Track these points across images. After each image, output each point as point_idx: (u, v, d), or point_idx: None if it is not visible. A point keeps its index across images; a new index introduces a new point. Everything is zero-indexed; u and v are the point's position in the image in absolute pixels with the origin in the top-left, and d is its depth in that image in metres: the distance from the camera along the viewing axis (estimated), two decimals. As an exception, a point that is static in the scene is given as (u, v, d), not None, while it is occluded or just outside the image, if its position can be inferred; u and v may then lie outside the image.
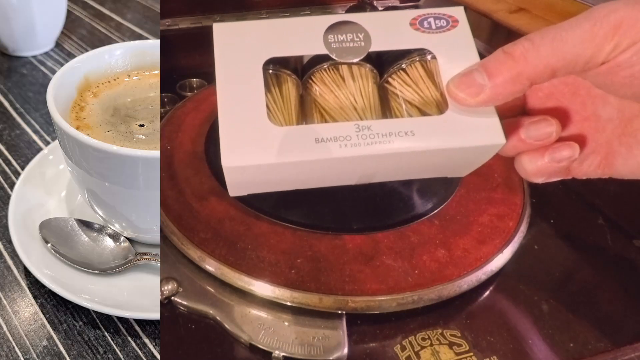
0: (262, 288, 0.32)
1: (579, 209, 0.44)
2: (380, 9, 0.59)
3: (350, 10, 0.61)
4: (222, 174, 0.42)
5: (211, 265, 0.34)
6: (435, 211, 0.39)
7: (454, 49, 0.26)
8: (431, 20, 0.27)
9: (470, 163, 0.28)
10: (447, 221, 0.38)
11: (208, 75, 0.60)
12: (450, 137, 0.24)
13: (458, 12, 0.27)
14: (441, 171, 0.29)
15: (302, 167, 0.24)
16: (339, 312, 0.32)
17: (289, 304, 0.32)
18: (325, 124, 0.25)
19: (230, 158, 0.23)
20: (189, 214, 0.37)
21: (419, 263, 0.35)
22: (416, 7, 0.70)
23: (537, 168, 0.26)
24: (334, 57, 0.26)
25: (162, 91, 0.56)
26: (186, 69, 0.62)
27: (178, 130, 0.47)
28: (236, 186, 0.26)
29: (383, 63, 0.28)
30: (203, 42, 0.62)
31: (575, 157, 0.26)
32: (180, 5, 0.61)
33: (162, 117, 0.50)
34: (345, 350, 0.30)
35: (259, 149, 0.23)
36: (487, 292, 0.35)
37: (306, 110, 0.27)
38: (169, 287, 0.33)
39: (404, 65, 0.27)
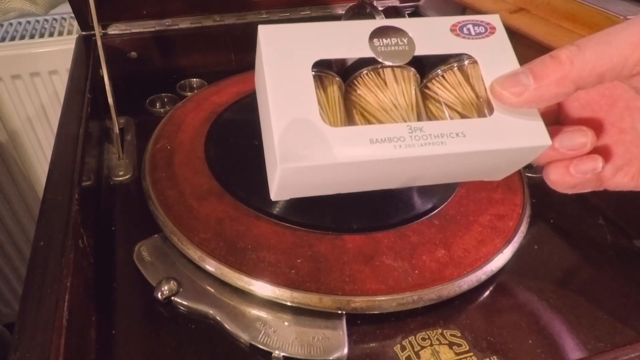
0: (262, 288, 0.32)
1: (579, 209, 0.44)
2: (380, 8, 0.59)
3: (349, 10, 0.61)
4: (221, 173, 0.42)
5: (211, 265, 0.34)
6: (435, 211, 0.39)
7: (494, 54, 0.27)
8: (470, 26, 0.27)
9: (512, 165, 0.28)
10: (447, 221, 0.38)
11: (208, 75, 0.60)
12: (499, 139, 0.25)
13: (494, 19, 0.28)
14: (482, 174, 0.30)
15: (357, 167, 0.24)
16: (339, 312, 0.32)
17: (289, 304, 0.32)
18: (377, 125, 0.25)
19: (288, 159, 0.23)
20: (189, 214, 0.37)
21: (419, 263, 0.35)
22: (416, 7, 0.70)
23: (562, 179, 0.26)
24: (380, 60, 0.26)
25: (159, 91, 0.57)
26: (186, 69, 0.62)
27: (178, 130, 0.47)
28: (284, 189, 0.26)
29: (421, 68, 0.28)
30: (203, 42, 0.63)
31: (598, 170, 0.25)
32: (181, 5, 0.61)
33: (162, 117, 0.50)
34: (345, 350, 0.30)
35: (316, 150, 0.23)
36: (487, 292, 0.35)
37: (348, 112, 0.28)
38: (169, 287, 0.33)
39: (443, 70, 0.28)
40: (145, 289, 0.34)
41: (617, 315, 0.34)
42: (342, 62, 0.28)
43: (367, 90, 0.27)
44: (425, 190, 0.41)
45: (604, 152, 0.26)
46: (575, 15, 0.60)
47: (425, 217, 0.39)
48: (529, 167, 0.48)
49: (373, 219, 0.38)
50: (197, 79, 0.60)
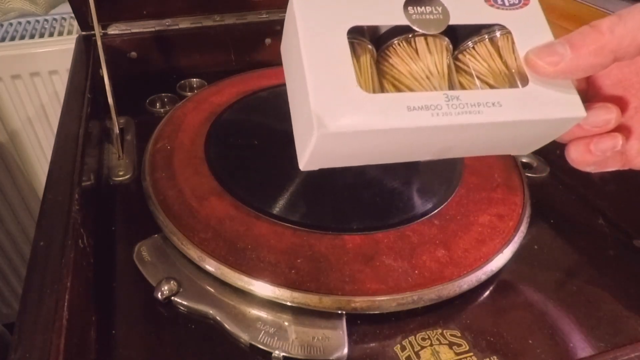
0: (262, 288, 0.32)
1: (579, 209, 0.44)
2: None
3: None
4: (221, 173, 0.42)
5: (211, 265, 0.34)
6: (435, 211, 0.39)
7: (528, 26, 0.27)
8: None
9: (542, 138, 0.28)
10: (447, 221, 0.38)
11: (208, 75, 0.60)
12: (534, 109, 0.25)
13: None
14: (512, 146, 0.30)
15: (394, 135, 0.24)
16: (339, 312, 0.32)
17: (289, 304, 0.32)
18: (414, 92, 0.25)
19: (325, 124, 0.23)
20: (189, 214, 0.37)
21: (419, 263, 0.35)
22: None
23: (582, 157, 0.26)
24: (415, 27, 0.26)
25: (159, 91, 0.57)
26: (186, 69, 0.62)
27: (178, 130, 0.47)
28: (316, 158, 0.26)
29: (453, 38, 0.28)
30: (203, 42, 0.63)
31: (617, 148, 0.25)
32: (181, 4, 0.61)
33: (162, 117, 0.50)
34: (345, 350, 0.30)
35: (354, 116, 0.23)
36: (487, 292, 0.35)
37: (380, 82, 0.27)
38: (169, 287, 0.33)
39: (474, 42, 0.27)
40: (145, 289, 0.34)
41: (617, 315, 0.34)
42: (374, 29, 0.27)
43: (399, 60, 0.26)
44: (425, 190, 0.41)
45: (631, 130, 0.26)
46: (576, 15, 0.60)
47: (425, 217, 0.39)
48: (529, 167, 0.48)
49: (373, 219, 0.38)
50: (197, 79, 0.60)
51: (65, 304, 0.27)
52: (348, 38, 0.25)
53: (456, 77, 0.27)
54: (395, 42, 0.27)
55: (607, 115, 0.25)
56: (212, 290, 0.34)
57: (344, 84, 0.24)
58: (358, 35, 0.26)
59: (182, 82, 0.59)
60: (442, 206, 0.40)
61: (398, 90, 0.26)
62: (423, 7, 0.26)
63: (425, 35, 0.27)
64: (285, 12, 0.27)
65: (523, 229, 0.39)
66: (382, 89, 0.26)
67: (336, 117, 0.23)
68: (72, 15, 0.72)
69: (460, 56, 0.28)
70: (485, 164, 0.45)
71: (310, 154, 0.25)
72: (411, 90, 0.25)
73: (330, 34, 0.25)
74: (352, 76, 0.24)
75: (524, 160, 0.49)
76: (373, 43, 0.27)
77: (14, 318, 0.33)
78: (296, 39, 0.24)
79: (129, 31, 0.60)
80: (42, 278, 0.28)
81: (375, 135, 0.24)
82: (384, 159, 0.28)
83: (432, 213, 0.39)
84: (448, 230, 0.37)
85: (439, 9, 0.26)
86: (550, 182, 0.47)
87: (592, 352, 0.31)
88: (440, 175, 0.43)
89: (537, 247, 0.40)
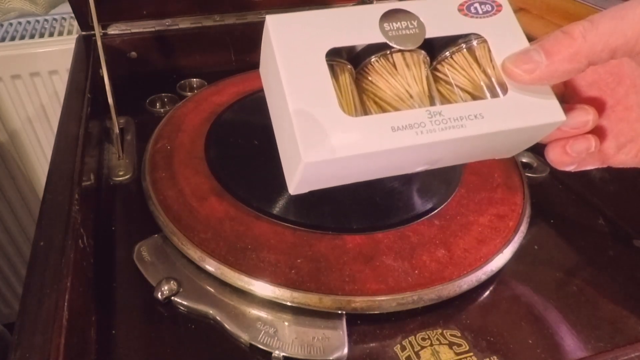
0: (262, 288, 0.32)
1: (579, 209, 0.44)
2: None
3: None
4: (221, 173, 0.42)
5: (211, 265, 0.34)
6: (435, 211, 0.39)
7: (502, 32, 0.27)
8: (477, 5, 0.27)
9: (525, 142, 0.29)
10: (447, 221, 0.38)
11: (208, 75, 0.60)
12: (516, 118, 0.25)
13: None
14: (496, 153, 0.30)
15: (381, 156, 0.24)
16: (339, 312, 0.32)
17: (289, 304, 0.32)
18: (397, 112, 0.25)
19: (312, 153, 0.23)
20: (189, 214, 0.37)
21: (419, 263, 0.35)
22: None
23: (560, 158, 0.27)
24: (392, 44, 0.26)
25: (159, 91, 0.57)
26: (186, 69, 0.62)
27: (178, 130, 0.47)
28: (305, 183, 0.26)
29: (430, 49, 0.28)
30: (203, 42, 0.63)
31: (591, 150, 0.26)
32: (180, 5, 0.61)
33: (162, 117, 0.50)
34: (345, 350, 0.30)
35: (340, 141, 0.23)
36: (487, 292, 0.35)
37: (360, 99, 0.27)
38: (169, 287, 0.33)
39: (451, 53, 0.27)
40: (145, 289, 0.34)
41: (617, 315, 0.34)
42: (350, 47, 0.27)
43: (378, 77, 0.27)
44: (425, 190, 0.41)
45: (608, 130, 0.26)
46: (575, 15, 0.60)
47: (425, 217, 0.39)
48: (529, 167, 0.48)
49: (373, 219, 0.38)
50: (197, 79, 0.60)
51: (65, 304, 0.27)
52: (326, 61, 0.25)
53: (436, 88, 0.27)
54: (373, 59, 0.27)
55: (585, 117, 0.25)
56: (212, 290, 0.34)
57: (327, 108, 0.24)
58: (335, 56, 0.26)
59: (182, 82, 0.59)
60: (442, 206, 0.40)
61: (379, 106, 0.26)
62: (399, 23, 0.26)
63: (401, 51, 0.26)
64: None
65: (523, 229, 0.39)
66: (364, 107, 0.26)
67: (322, 144, 0.23)
68: (72, 15, 0.72)
69: (439, 67, 0.28)
70: (485, 164, 0.45)
71: (299, 181, 0.25)
72: (392, 105, 0.26)
73: (309, 59, 0.24)
74: (335, 100, 0.24)
75: (524, 160, 0.49)
76: (350, 62, 0.27)
77: (14, 318, 0.33)
78: (274, 64, 0.24)
79: (129, 31, 0.60)
80: (42, 278, 0.28)
81: (361, 158, 0.24)
82: (373, 176, 0.28)
83: (432, 213, 0.39)
84: (448, 230, 0.37)
85: (415, 23, 0.26)
86: (550, 182, 0.47)
87: (592, 352, 0.31)
88: (440, 175, 0.43)
89: (537, 247, 0.40)
